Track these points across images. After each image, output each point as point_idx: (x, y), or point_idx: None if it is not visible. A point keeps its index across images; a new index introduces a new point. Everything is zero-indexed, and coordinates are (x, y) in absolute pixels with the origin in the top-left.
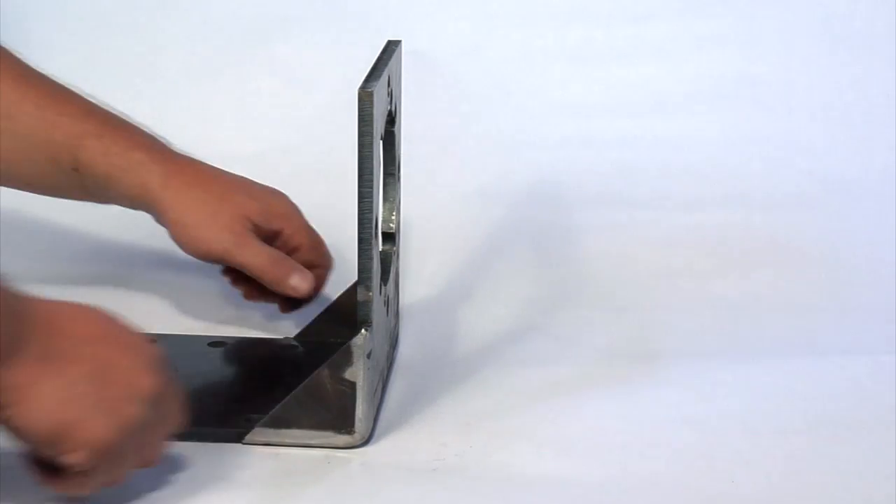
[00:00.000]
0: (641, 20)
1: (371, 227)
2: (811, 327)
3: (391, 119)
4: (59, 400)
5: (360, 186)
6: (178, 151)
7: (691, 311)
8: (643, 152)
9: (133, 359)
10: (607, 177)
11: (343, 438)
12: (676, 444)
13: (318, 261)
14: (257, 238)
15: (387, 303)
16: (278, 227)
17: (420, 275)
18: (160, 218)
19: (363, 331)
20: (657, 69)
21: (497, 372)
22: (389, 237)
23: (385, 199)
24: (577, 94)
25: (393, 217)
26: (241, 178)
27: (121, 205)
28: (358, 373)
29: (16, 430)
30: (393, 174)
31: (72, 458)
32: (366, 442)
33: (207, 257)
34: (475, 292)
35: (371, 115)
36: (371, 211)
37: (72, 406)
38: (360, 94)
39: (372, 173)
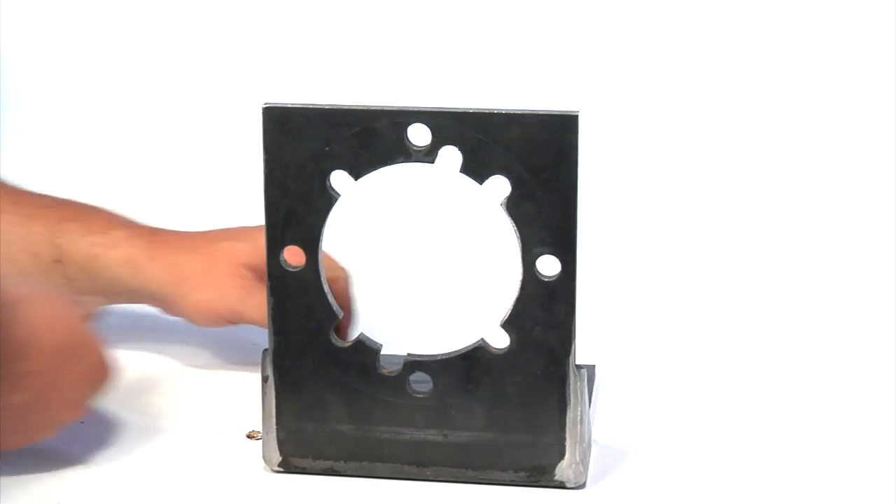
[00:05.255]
0: None
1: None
2: (811, 325)
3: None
4: None
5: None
6: (159, 227)
7: (689, 307)
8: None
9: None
10: None
11: None
12: (674, 443)
13: (332, 275)
14: (260, 283)
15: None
16: None
17: None
18: (157, 296)
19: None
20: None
21: None
22: None
23: None
24: None
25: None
26: (229, 228)
27: (114, 298)
28: (262, 394)
29: None
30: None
31: None
32: (285, 470)
33: (219, 322)
34: None
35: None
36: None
37: None
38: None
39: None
